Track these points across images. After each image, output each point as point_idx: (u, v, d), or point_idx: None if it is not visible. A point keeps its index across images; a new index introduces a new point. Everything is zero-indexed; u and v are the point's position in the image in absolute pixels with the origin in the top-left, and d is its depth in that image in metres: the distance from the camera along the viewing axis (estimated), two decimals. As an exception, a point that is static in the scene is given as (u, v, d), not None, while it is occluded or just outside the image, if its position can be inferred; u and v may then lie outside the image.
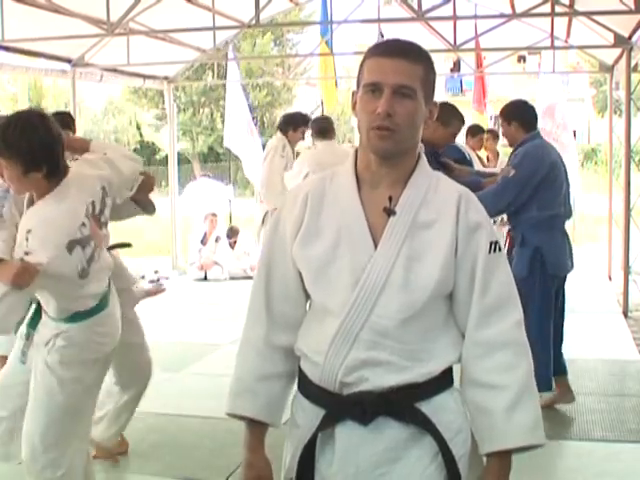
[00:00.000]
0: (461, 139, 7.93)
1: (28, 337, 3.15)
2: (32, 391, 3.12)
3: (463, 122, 5.55)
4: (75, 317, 3.06)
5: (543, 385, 4.81)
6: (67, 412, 3.09)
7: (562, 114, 11.05)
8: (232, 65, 11.22)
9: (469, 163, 5.92)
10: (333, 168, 2.00)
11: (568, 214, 5.08)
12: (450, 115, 5.11)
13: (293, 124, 7.86)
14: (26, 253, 2.83)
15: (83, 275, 2.95)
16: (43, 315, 3.11)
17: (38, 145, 2.86)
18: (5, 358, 3.55)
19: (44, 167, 2.89)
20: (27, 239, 2.86)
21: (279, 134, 8.19)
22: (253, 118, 11.40)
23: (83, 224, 2.96)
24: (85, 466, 3.26)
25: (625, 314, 7.87)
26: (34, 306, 3.15)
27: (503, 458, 1.85)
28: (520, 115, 5.03)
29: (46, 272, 2.82)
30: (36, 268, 2.79)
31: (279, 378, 1.97)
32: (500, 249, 1.89)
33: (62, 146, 2.99)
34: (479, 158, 8.56)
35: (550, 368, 4.85)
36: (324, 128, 7.35)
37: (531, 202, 4.86)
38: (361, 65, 1.87)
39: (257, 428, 1.96)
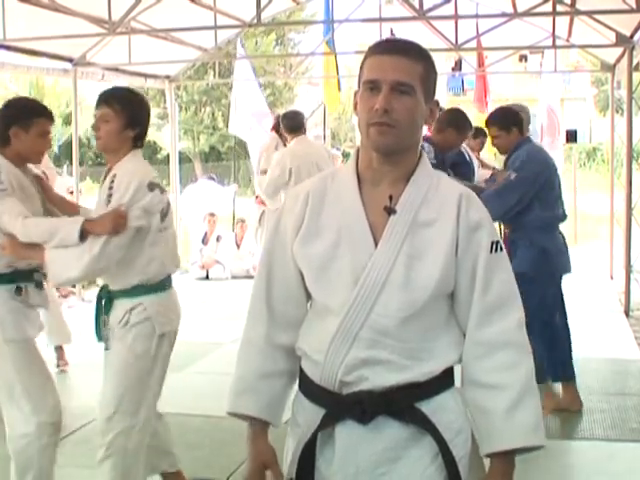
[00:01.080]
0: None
1: (105, 324, 3.38)
2: (108, 365, 3.37)
3: (472, 127, 5.58)
4: (147, 289, 3.28)
5: (564, 373, 4.97)
6: (139, 382, 3.34)
7: (560, 114, 11.10)
8: (243, 63, 11.23)
9: (470, 165, 5.93)
10: (333, 168, 2.01)
11: (565, 216, 5.11)
12: (464, 121, 5.16)
13: None
14: (109, 195, 3.18)
15: (163, 216, 3.26)
16: (115, 300, 3.33)
17: (140, 108, 3.33)
18: None
19: (137, 128, 3.29)
20: (112, 181, 3.21)
21: (273, 133, 8.26)
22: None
23: (155, 177, 3.31)
24: (151, 431, 3.51)
25: (627, 313, 7.87)
26: (105, 295, 3.39)
27: (506, 459, 1.85)
28: (518, 121, 5.05)
29: (132, 209, 3.14)
30: (124, 211, 3.12)
31: (280, 377, 1.97)
32: (502, 248, 1.89)
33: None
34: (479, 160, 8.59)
35: (571, 355, 4.99)
36: (298, 124, 7.29)
37: (534, 204, 4.88)
38: (362, 64, 1.88)
39: (259, 426, 1.96)
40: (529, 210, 4.88)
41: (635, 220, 8.38)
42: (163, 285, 3.37)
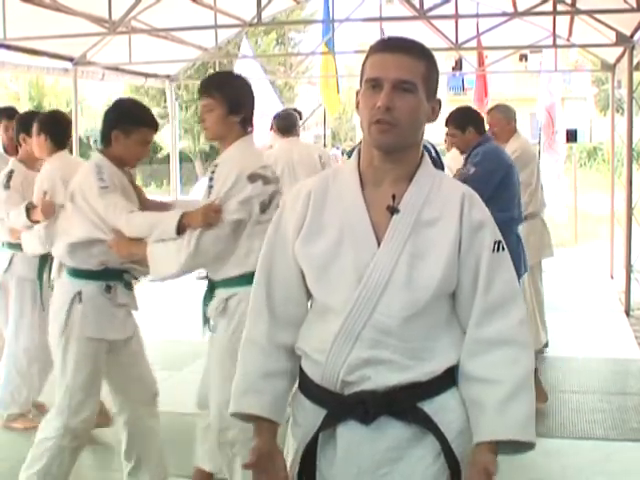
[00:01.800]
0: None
1: (205, 314, 3.46)
2: (212, 363, 3.46)
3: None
4: (245, 280, 3.16)
5: None
6: None
7: (559, 113, 11.12)
8: (247, 62, 11.24)
9: (437, 161, 5.97)
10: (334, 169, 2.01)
11: (521, 218, 5.13)
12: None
13: None
14: (210, 186, 3.19)
15: (264, 207, 3.19)
16: (215, 290, 3.35)
17: (241, 91, 3.29)
18: None
19: (242, 113, 3.26)
20: (213, 172, 3.22)
21: (272, 133, 8.25)
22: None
23: (264, 167, 3.28)
24: None
25: (627, 313, 7.86)
26: (207, 285, 3.45)
27: (489, 452, 1.81)
28: (474, 120, 5.12)
29: (229, 202, 3.12)
30: (218, 205, 3.13)
31: (283, 376, 1.96)
32: (504, 248, 1.89)
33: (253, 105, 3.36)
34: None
35: None
36: (288, 125, 7.08)
37: (490, 203, 4.86)
38: (364, 62, 1.87)
39: (264, 424, 1.94)
40: None
41: (635, 220, 8.38)
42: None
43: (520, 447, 1.85)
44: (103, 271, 3.46)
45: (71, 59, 9.08)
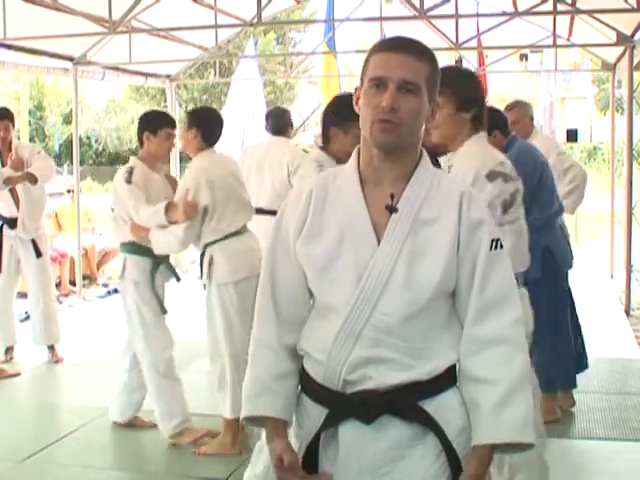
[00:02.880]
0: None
1: None
2: None
3: None
4: None
5: (567, 381, 4.87)
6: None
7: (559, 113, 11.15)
8: (248, 62, 11.24)
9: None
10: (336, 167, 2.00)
11: (562, 208, 5.10)
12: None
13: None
14: None
15: (505, 207, 2.99)
16: None
17: (471, 85, 3.05)
18: None
19: (473, 109, 3.00)
20: (447, 172, 2.94)
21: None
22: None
23: (502, 163, 3.01)
24: None
25: (627, 312, 7.87)
26: None
27: (484, 452, 1.83)
28: (498, 123, 4.91)
29: None
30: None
31: (293, 376, 1.96)
32: (502, 246, 1.89)
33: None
34: None
35: (573, 364, 4.91)
36: (283, 124, 6.24)
37: (531, 205, 4.85)
38: (366, 60, 1.87)
39: (277, 425, 1.92)
40: (527, 212, 4.90)
41: (636, 219, 8.38)
42: None
43: (519, 447, 1.86)
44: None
45: (71, 59, 9.08)
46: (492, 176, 2.91)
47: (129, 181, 4.37)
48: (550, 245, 4.79)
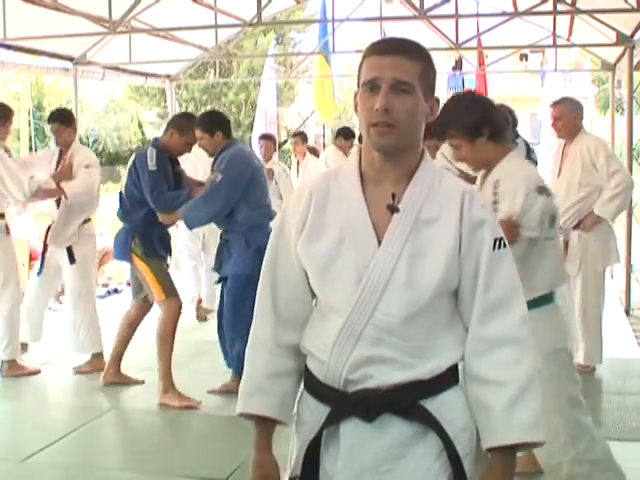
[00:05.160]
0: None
1: None
2: None
3: None
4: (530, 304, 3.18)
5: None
6: None
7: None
8: (270, 61, 11.34)
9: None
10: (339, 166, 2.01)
11: (273, 213, 5.28)
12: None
13: None
14: (495, 202, 3.06)
15: (551, 222, 3.10)
16: None
17: (475, 109, 3.21)
18: None
19: (485, 131, 3.17)
20: (497, 187, 3.10)
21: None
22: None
23: (543, 179, 3.18)
24: None
25: (627, 312, 7.87)
26: None
27: (506, 455, 1.85)
28: (223, 124, 5.28)
29: (524, 217, 3.00)
30: (516, 221, 3.01)
31: (289, 376, 1.97)
32: (505, 245, 1.88)
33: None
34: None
35: None
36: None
37: (242, 203, 5.14)
38: (360, 65, 1.88)
39: (266, 427, 1.96)
40: (238, 210, 5.14)
41: (635, 219, 8.38)
42: (548, 299, 3.20)
43: (530, 445, 1.87)
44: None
45: (71, 59, 9.08)
46: (541, 191, 3.03)
47: None
48: (264, 245, 4.85)
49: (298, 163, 10.07)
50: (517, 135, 6.76)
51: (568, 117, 5.56)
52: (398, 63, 1.81)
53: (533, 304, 2.95)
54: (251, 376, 1.98)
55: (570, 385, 3.24)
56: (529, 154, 6.44)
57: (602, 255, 5.67)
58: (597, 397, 5.31)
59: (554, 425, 3.15)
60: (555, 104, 5.65)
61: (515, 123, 6.71)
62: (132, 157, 5.39)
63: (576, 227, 5.59)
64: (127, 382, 5.57)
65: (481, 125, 3.17)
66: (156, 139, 5.45)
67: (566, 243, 5.61)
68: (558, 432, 3.17)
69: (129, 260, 5.28)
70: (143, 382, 5.56)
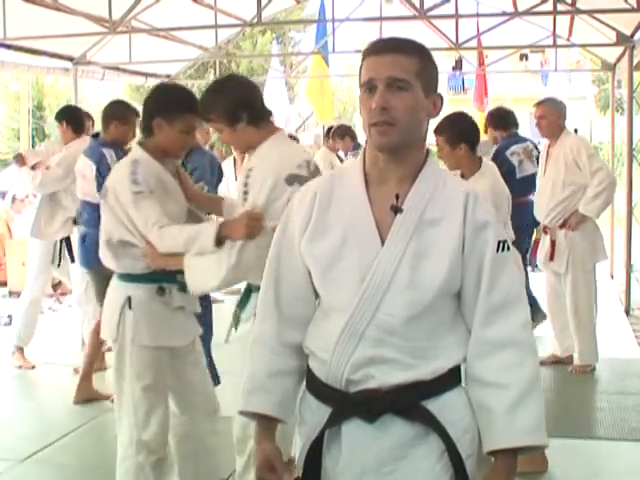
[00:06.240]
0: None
1: (238, 319, 3.19)
2: None
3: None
4: None
5: None
6: None
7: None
8: (275, 61, 11.33)
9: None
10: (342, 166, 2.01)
11: None
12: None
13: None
14: (245, 192, 2.99)
15: None
16: (252, 294, 3.12)
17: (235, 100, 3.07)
18: None
19: (245, 117, 3.06)
20: (248, 176, 3.03)
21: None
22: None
23: (300, 166, 3.04)
24: None
25: (627, 312, 7.87)
26: (244, 289, 3.22)
27: (508, 458, 1.84)
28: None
29: (269, 208, 2.92)
30: (259, 213, 2.90)
31: (291, 375, 1.97)
32: (508, 248, 1.88)
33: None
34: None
35: None
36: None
37: None
38: (360, 68, 1.88)
39: (268, 424, 1.96)
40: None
41: (636, 219, 8.38)
42: None
43: (531, 448, 1.87)
44: (152, 273, 3.14)
45: (71, 59, 9.08)
46: (291, 180, 2.98)
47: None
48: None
49: None
50: (517, 135, 6.81)
51: (552, 116, 5.62)
52: (394, 61, 1.81)
53: None
54: (253, 374, 1.98)
55: None
56: (529, 155, 6.45)
57: (590, 252, 5.70)
58: (597, 397, 5.31)
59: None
60: (539, 104, 5.72)
61: (516, 124, 6.74)
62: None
63: (562, 226, 5.62)
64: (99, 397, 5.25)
65: (237, 110, 3.06)
66: (96, 135, 5.22)
67: (553, 242, 5.65)
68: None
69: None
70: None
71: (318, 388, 1.91)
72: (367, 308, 1.81)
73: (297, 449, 1.98)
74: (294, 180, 2.97)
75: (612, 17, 7.86)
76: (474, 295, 1.86)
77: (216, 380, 4.33)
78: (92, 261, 4.59)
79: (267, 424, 1.96)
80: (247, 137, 3.10)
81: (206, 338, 4.12)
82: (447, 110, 4.92)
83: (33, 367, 6.06)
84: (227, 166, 7.72)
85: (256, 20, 7.71)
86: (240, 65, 26.54)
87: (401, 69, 1.81)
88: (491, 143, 6.80)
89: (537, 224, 6.09)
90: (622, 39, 8.05)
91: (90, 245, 4.83)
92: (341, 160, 9.04)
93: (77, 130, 6.07)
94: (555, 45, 9.65)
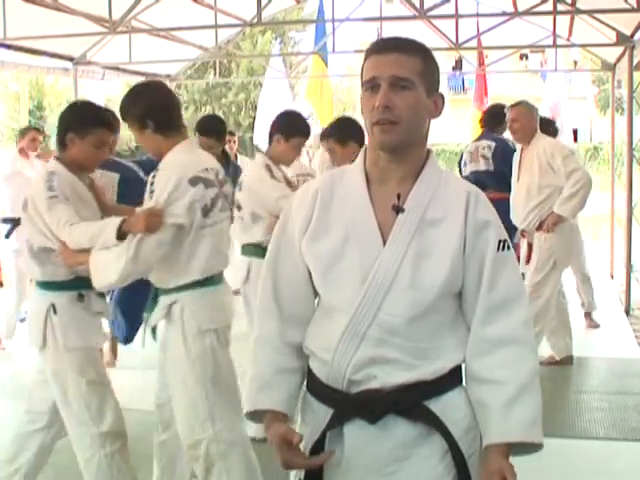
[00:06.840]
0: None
1: (146, 322, 3.31)
2: (172, 381, 3.22)
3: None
4: (184, 286, 3.13)
5: None
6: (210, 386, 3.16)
7: (565, 113, 11.14)
8: (277, 61, 11.31)
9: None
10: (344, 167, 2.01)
11: None
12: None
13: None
14: (151, 191, 3.06)
15: (205, 212, 3.08)
16: (159, 298, 3.22)
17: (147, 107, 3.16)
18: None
19: (152, 124, 3.15)
20: (154, 176, 3.10)
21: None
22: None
23: (206, 170, 3.12)
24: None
25: (627, 312, 7.87)
26: (152, 293, 3.29)
27: (499, 455, 1.82)
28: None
29: (170, 206, 3.00)
30: (160, 209, 2.99)
31: (294, 373, 1.96)
32: (509, 247, 1.88)
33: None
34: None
35: None
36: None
37: None
38: (362, 67, 1.89)
39: (277, 415, 1.92)
40: None
41: (636, 219, 8.38)
42: (210, 282, 3.19)
43: (528, 448, 1.86)
44: (74, 280, 3.27)
45: (71, 59, 9.09)
46: (195, 181, 3.06)
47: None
48: None
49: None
50: (488, 134, 6.90)
51: (525, 119, 5.57)
52: (397, 60, 1.82)
53: (186, 287, 3.11)
54: (258, 374, 1.96)
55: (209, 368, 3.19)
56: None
57: (563, 253, 5.66)
58: (597, 397, 5.31)
59: (193, 402, 3.16)
60: (513, 106, 5.69)
61: (500, 123, 6.74)
62: (127, 160, 5.30)
63: (539, 228, 5.58)
64: None
65: (145, 117, 3.15)
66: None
67: (530, 245, 5.64)
68: (197, 408, 3.15)
69: None
70: None
71: (319, 389, 1.91)
72: (369, 308, 1.81)
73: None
74: (198, 181, 3.06)
75: (612, 17, 7.85)
76: (475, 294, 1.87)
77: None
78: None
79: (276, 415, 1.92)
80: (155, 143, 3.20)
81: None
82: (448, 110, 5.00)
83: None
84: None
85: (256, 20, 7.72)
86: (240, 65, 26.56)
87: (404, 68, 1.81)
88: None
89: (515, 228, 6.05)
90: (622, 39, 8.05)
91: None
92: None
93: None
94: (555, 45, 9.65)
